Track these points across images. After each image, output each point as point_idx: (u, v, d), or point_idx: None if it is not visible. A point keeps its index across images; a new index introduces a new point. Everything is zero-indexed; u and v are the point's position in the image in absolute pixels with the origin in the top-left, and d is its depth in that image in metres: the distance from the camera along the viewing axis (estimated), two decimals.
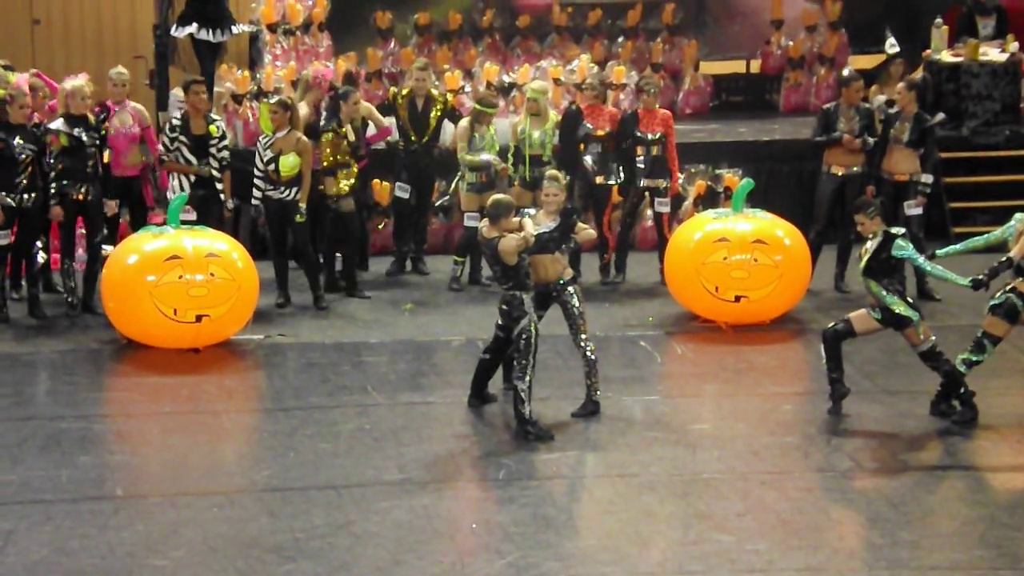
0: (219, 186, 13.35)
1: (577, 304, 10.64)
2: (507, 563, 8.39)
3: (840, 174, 13.85)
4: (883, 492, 9.53)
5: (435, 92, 14.42)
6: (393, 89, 14.75)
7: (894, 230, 10.58)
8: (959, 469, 10.05)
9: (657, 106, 14.33)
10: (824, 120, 13.95)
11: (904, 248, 10.45)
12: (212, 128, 13.36)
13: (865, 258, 10.57)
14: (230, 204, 13.52)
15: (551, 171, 11.18)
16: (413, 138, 14.18)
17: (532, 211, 10.87)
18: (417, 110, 14.16)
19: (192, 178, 13.31)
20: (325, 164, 13.66)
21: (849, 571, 8.38)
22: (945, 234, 15.04)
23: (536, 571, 8.30)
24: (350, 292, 13.82)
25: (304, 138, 13.41)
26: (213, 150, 13.30)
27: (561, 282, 10.65)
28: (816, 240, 13.64)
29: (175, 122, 13.40)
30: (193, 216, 13.08)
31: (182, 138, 13.25)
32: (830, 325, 10.79)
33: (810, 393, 11.29)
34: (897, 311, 10.48)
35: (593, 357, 10.64)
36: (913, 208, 13.58)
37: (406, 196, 14.29)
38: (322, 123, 13.82)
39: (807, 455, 10.10)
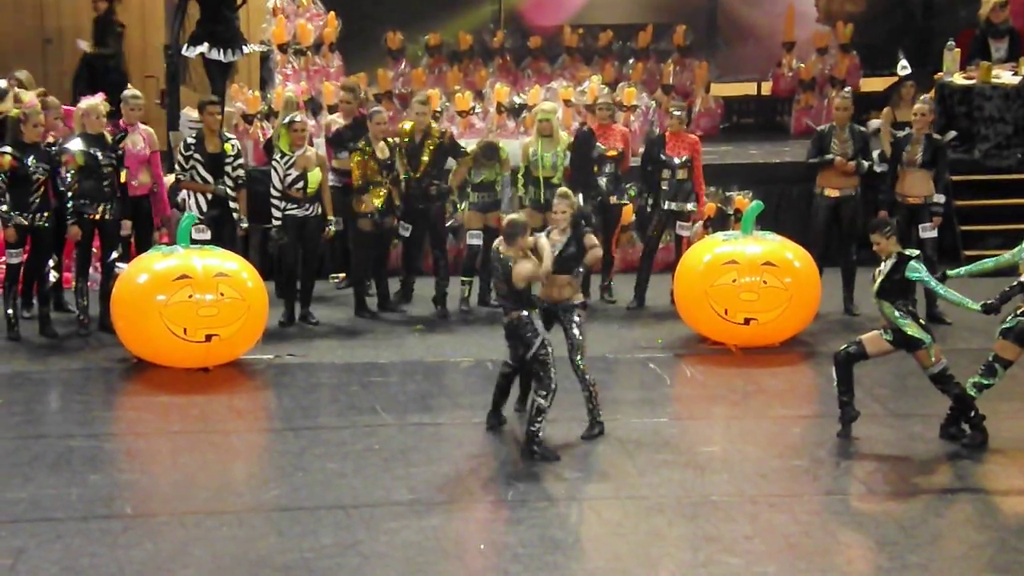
0: (233, 205, 13.39)
1: (578, 331, 10.70)
2: None
3: (834, 196, 13.90)
4: (892, 515, 9.55)
5: (434, 126, 14.11)
6: (402, 124, 14.35)
7: (908, 252, 10.63)
8: (968, 492, 10.06)
9: (684, 129, 14.38)
10: (818, 142, 14.01)
11: (918, 270, 10.49)
12: (227, 146, 13.42)
13: (879, 279, 10.60)
14: (244, 223, 13.55)
15: (561, 188, 11.22)
16: (411, 174, 13.88)
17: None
18: (414, 145, 13.90)
19: (208, 197, 13.37)
20: (356, 184, 13.71)
21: None
22: (956, 256, 15.08)
23: None
24: (383, 306, 13.91)
25: (320, 153, 13.52)
26: (228, 168, 13.35)
27: (572, 304, 10.71)
28: (817, 264, 13.66)
29: (190, 140, 13.45)
30: (207, 236, 13.15)
31: (197, 156, 13.31)
32: (842, 347, 10.84)
33: (819, 416, 11.31)
34: (909, 333, 10.52)
35: (591, 380, 10.71)
36: (928, 231, 13.62)
37: (407, 235, 14.08)
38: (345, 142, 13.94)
39: (816, 478, 10.13)
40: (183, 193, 13.62)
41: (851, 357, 10.71)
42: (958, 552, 9.03)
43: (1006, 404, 11.10)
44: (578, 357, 10.67)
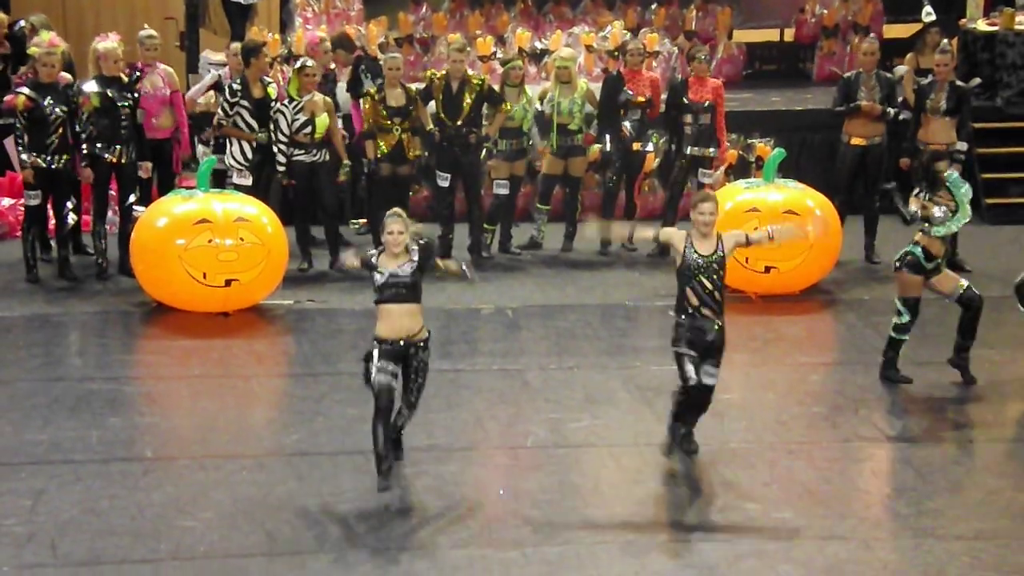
0: (277, 149, 13.32)
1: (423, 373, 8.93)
2: (533, 529, 8.47)
3: (861, 144, 13.87)
4: (910, 462, 9.59)
5: (472, 74, 13.89)
6: (431, 71, 14.27)
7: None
8: (985, 440, 10.10)
9: (709, 75, 14.35)
10: (845, 89, 13.97)
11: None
12: (270, 90, 13.43)
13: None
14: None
15: (395, 209, 9.11)
16: (448, 123, 13.65)
17: (374, 252, 8.92)
18: (452, 93, 13.63)
19: (253, 144, 13.35)
20: (364, 128, 13.67)
21: (874, 540, 8.44)
22: (977, 205, 15.03)
23: (562, 538, 8.38)
24: None
25: (327, 98, 13.49)
26: (272, 112, 13.31)
27: (419, 341, 8.86)
28: (839, 209, 13.65)
29: (235, 87, 13.39)
30: (248, 181, 13.19)
31: (243, 103, 13.30)
32: (1021, 277, 10.93)
33: (838, 363, 11.34)
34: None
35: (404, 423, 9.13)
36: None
37: (446, 185, 13.83)
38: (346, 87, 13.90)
39: (835, 425, 10.17)
40: (200, 148, 13.65)
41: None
42: (974, 498, 9.07)
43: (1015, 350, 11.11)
44: (407, 410, 9.03)
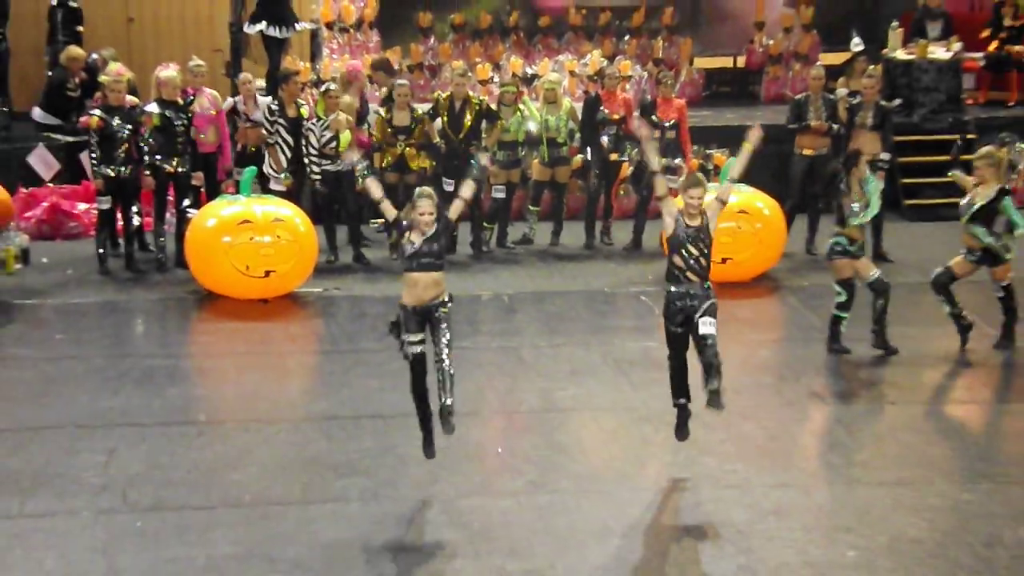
0: (309, 160, 13.35)
1: (447, 330, 8.24)
2: (527, 481, 8.52)
3: (810, 155, 13.94)
4: (841, 421, 9.63)
5: (472, 95, 13.90)
6: (438, 93, 14.35)
7: (1007, 187, 10.71)
8: (905, 403, 10.13)
9: (674, 96, 14.37)
10: (796, 110, 14.02)
11: (1009, 203, 10.64)
12: (303, 111, 13.46)
13: (975, 206, 10.66)
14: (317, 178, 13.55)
15: (424, 189, 8.53)
16: (452, 137, 13.64)
17: (406, 225, 8.31)
18: (455, 111, 13.67)
19: (288, 154, 13.37)
20: (374, 143, 13.69)
21: (812, 487, 8.49)
22: (898, 206, 15.08)
23: (551, 488, 8.42)
24: None
25: (349, 117, 13.50)
26: (304, 130, 13.33)
27: (440, 303, 8.29)
28: (791, 212, 13.73)
29: (273, 107, 13.42)
30: (283, 188, 13.21)
31: (281, 121, 13.33)
32: (937, 272, 10.88)
33: (783, 340, 11.37)
34: (996, 252, 10.67)
35: (451, 371, 8.27)
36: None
37: (451, 190, 13.78)
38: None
39: (779, 392, 10.19)
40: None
41: (943, 279, 10.80)
42: (896, 451, 9.11)
43: (940, 328, 11.12)
44: (445, 356, 8.22)
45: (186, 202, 13.27)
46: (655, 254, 13.89)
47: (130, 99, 13.40)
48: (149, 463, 8.77)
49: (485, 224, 14.17)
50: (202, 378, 10.83)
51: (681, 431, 8.75)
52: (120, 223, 13.44)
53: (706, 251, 8.63)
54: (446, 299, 8.29)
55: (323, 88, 13.52)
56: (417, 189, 8.47)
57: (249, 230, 12.25)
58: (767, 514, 8.07)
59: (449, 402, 8.13)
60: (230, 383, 10.67)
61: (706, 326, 8.50)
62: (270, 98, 13.99)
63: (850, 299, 10.76)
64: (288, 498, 8.28)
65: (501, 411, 9.82)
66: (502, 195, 14.10)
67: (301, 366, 11.21)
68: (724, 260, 12.84)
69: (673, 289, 8.58)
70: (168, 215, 13.54)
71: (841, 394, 10.20)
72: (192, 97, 13.37)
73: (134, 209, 13.33)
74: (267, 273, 12.27)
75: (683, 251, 8.58)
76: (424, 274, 8.21)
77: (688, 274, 8.57)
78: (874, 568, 7.45)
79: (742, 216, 12.93)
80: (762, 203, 13.15)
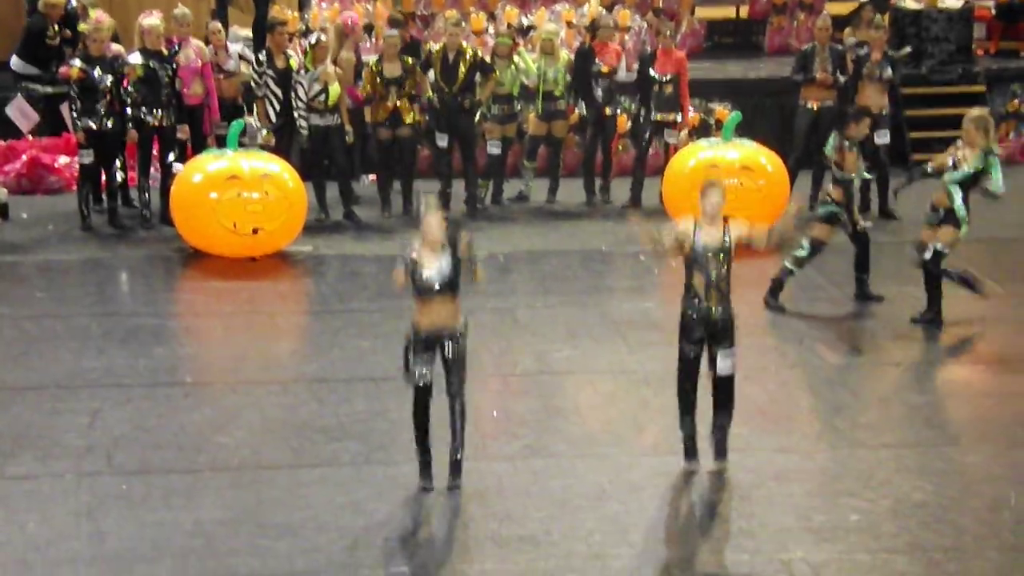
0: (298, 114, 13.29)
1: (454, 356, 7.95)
2: (523, 445, 8.59)
3: (815, 108, 13.92)
4: (845, 384, 9.70)
5: (466, 46, 13.81)
6: (430, 45, 14.28)
7: (994, 148, 10.65)
8: (910, 363, 10.22)
9: (674, 47, 14.35)
10: (802, 61, 14.00)
11: (996, 162, 10.57)
12: (291, 62, 13.40)
13: (966, 171, 10.51)
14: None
15: (431, 199, 8.14)
16: (446, 89, 13.55)
17: (414, 249, 7.92)
18: (448, 63, 13.54)
19: (277, 107, 13.33)
20: (364, 96, 13.66)
21: (816, 451, 8.57)
22: (905, 161, 15.10)
23: (547, 451, 8.50)
24: (407, 210, 13.67)
25: (339, 69, 13.44)
26: (293, 82, 13.26)
27: (456, 329, 7.97)
28: (794, 166, 13.72)
29: (261, 58, 13.34)
30: (272, 142, 13.18)
31: (269, 72, 13.27)
32: (921, 259, 10.70)
33: (785, 300, 11.39)
34: (959, 215, 10.55)
35: (463, 414, 8.04)
36: (882, 137, 13.67)
37: (444, 145, 13.74)
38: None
39: (783, 354, 10.27)
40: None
41: (936, 257, 10.67)
42: (900, 413, 9.21)
43: (946, 287, 11.16)
44: (457, 395, 7.99)
45: (171, 156, 13.24)
46: (654, 212, 13.90)
47: (114, 47, 13.37)
48: (134, 425, 8.82)
49: (480, 181, 14.15)
50: (189, 338, 10.87)
51: (689, 457, 8.30)
52: (103, 178, 13.42)
53: (726, 273, 8.12)
54: (462, 329, 7.90)
55: (312, 39, 13.47)
56: (424, 201, 8.01)
57: (236, 186, 12.25)
58: (769, 478, 8.15)
59: (459, 457, 7.92)
60: (217, 343, 10.72)
61: (724, 366, 8.10)
62: (241, 46, 13.94)
63: (809, 258, 10.82)
64: (278, 462, 8.34)
65: (496, 374, 9.86)
66: (497, 151, 14.09)
67: (290, 326, 11.25)
68: (726, 218, 12.84)
69: (689, 309, 8.10)
70: (152, 170, 13.53)
71: (845, 356, 10.26)
72: (177, 47, 13.32)
73: (117, 163, 13.31)
74: (255, 230, 12.27)
75: (702, 271, 8.07)
76: (437, 297, 7.82)
77: (710, 295, 8.08)
78: (877, 532, 7.53)
79: (745, 172, 12.95)
80: (765, 159, 13.16)
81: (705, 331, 8.11)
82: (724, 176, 12.76)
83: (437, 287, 7.83)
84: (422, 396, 7.93)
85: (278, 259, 12.51)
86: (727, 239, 8.18)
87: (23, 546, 7.37)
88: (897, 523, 7.63)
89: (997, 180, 10.56)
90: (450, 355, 7.89)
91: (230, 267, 12.23)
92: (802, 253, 10.98)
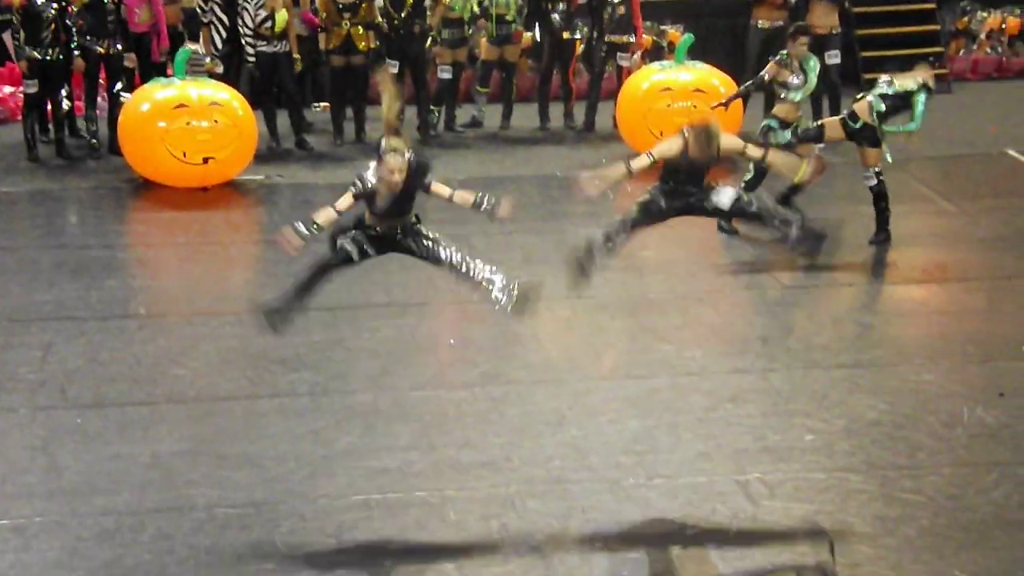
0: (247, 48, 13.18)
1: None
2: (481, 372, 8.61)
3: (766, 27, 13.92)
4: (801, 304, 9.77)
5: None
6: None
7: (930, 85, 10.59)
8: (864, 282, 10.30)
9: None
10: None
11: (924, 99, 10.49)
12: None
13: (896, 88, 10.49)
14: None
15: (394, 142, 7.43)
16: (395, 15, 13.47)
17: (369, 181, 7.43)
18: None
19: (224, 35, 13.18)
20: (320, 22, 13.52)
21: (770, 372, 8.62)
22: (857, 80, 15.11)
23: (506, 378, 8.52)
24: (360, 137, 13.66)
25: None
26: (239, 8, 13.12)
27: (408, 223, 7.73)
28: (747, 88, 13.65)
29: None
30: (220, 69, 13.04)
31: None
32: (807, 127, 10.77)
33: (739, 222, 11.39)
34: (877, 133, 10.54)
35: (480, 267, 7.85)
36: (833, 57, 13.67)
37: (395, 71, 13.49)
38: None
39: (736, 276, 10.30)
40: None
41: (812, 135, 10.71)
42: (853, 332, 9.28)
43: (897, 206, 11.22)
44: (462, 261, 7.81)
45: (118, 85, 13.11)
46: (609, 136, 13.90)
47: None
48: (88, 358, 8.77)
49: (432, 107, 14.07)
50: (141, 269, 10.80)
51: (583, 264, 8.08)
52: (49, 108, 13.25)
53: (706, 166, 7.86)
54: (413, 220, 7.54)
55: None
56: (384, 143, 7.34)
57: (185, 115, 12.14)
58: (724, 400, 8.21)
59: (504, 282, 7.50)
60: (170, 275, 10.66)
61: (721, 196, 7.77)
62: None
63: (756, 181, 10.76)
64: (235, 393, 8.33)
65: (453, 301, 9.81)
66: (448, 76, 14.00)
67: (244, 256, 11.19)
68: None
69: (657, 186, 7.91)
70: (100, 99, 13.38)
71: (799, 277, 10.31)
72: None
73: (63, 93, 13.15)
74: (205, 160, 12.19)
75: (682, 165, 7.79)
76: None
77: (683, 181, 7.85)
78: (832, 451, 7.61)
79: (698, 95, 12.94)
80: (718, 80, 13.15)
81: (679, 202, 7.89)
82: (678, 99, 12.88)
83: (390, 212, 7.51)
84: (338, 258, 7.47)
85: (229, 189, 12.43)
86: (714, 157, 7.85)
87: None
88: (851, 442, 7.71)
89: (918, 111, 10.48)
90: (422, 244, 7.55)
91: (181, 197, 12.14)
92: (747, 176, 10.87)
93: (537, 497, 7.16)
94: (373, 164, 7.35)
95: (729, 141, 7.99)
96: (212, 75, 12.94)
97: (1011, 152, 12.67)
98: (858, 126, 10.62)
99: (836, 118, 10.90)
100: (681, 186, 7.91)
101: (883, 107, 10.49)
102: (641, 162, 7.87)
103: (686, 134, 7.80)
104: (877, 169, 10.64)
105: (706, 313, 9.50)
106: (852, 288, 10.13)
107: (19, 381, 8.43)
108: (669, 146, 7.85)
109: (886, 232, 10.77)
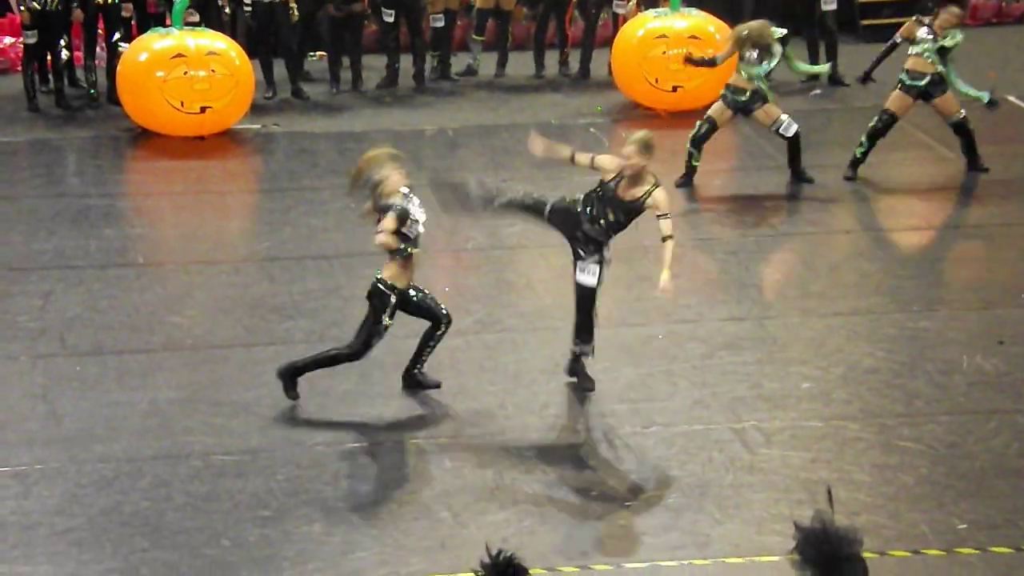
0: None
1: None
2: (476, 320, 8.51)
3: None
4: (797, 252, 9.67)
5: None
6: None
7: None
8: (861, 230, 10.18)
9: None
10: None
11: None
12: None
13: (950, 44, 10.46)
14: (227, 8, 13.26)
15: (390, 151, 8.05)
16: None
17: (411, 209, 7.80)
18: None
19: None
20: None
21: (766, 319, 8.54)
22: (854, 28, 14.91)
23: (500, 326, 8.44)
24: (356, 86, 13.49)
25: None
26: None
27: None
28: None
29: None
30: (196, 18, 12.84)
31: None
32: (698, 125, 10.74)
33: (737, 169, 11.32)
34: (764, 93, 10.56)
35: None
36: (829, 3, 13.47)
37: (391, 20, 13.38)
38: None
39: (733, 223, 10.18)
40: None
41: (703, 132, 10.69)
42: (851, 280, 9.17)
43: (896, 153, 11.10)
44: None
45: (117, 35, 12.93)
46: (604, 84, 13.73)
47: None
48: (87, 306, 8.68)
49: (428, 55, 13.88)
50: (139, 218, 10.69)
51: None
52: (48, 58, 13.08)
53: (616, 224, 7.50)
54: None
55: None
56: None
57: (183, 64, 11.98)
58: (720, 347, 8.11)
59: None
60: (168, 223, 10.55)
61: (583, 272, 7.52)
62: None
63: (706, 136, 10.61)
64: (231, 341, 8.24)
65: (447, 249, 9.73)
66: (441, 23, 13.80)
67: (241, 205, 11.08)
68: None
69: (568, 201, 7.62)
70: (99, 49, 13.21)
71: (796, 224, 10.20)
72: None
73: (62, 43, 12.97)
74: (203, 109, 12.03)
75: (596, 203, 7.49)
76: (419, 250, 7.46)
77: (592, 220, 7.52)
78: (829, 399, 7.52)
79: (693, 42, 12.72)
80: (713, 27, 12.95)
81: (565, 229, 7.62)
82: (673, 46, 12.69)
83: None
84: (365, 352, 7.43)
85: (227, 138, 12.28)
86: (638, 204, 7.44)
87: None
88: (848, 390, 7.61)
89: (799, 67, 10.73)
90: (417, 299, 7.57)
91: (179, 146, 11.99)
92: (698, 131, 10.76)
93: (532, 445, 7.07)
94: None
95: (658, 202, 7.41)
96: (187, 23, 12.66)
97: (1011, 98, 12.52)
98: (744, 100, 10.51)
99: (720, 103, 10.75)
100: (594, 211, 7.48)
101: (759, 74, 10.50)
102: (582, 159, 7.68)
103: (626, 171, 7.43)
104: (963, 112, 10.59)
105: (702, 260, 9.40)
106: (849, 235, 10.02)
107: (19, 329, 8.35)
108: (608, 163, 7.56)
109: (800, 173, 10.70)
